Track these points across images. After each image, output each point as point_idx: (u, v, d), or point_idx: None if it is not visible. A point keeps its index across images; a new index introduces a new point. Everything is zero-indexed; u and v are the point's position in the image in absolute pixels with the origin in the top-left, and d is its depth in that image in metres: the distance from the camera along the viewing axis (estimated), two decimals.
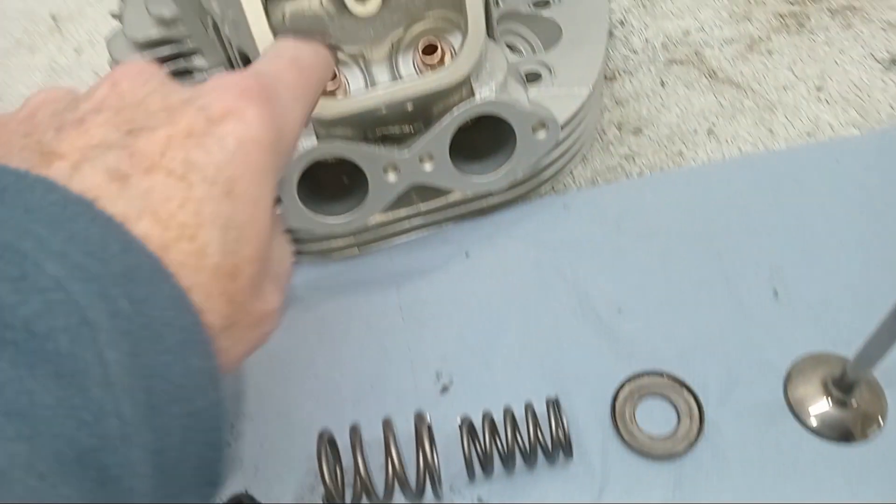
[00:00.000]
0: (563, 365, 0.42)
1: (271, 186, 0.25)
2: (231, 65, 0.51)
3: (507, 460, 0.38)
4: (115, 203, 0.21)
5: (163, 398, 0.20)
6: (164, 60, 0.51)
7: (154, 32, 0.49)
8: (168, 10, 0.48)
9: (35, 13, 0.70)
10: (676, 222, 0.48)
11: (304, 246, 0.49)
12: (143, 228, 0.21)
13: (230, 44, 0.45)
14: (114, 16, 0.54)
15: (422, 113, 0.45)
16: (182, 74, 0.52)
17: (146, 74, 0.26)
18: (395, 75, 0.45)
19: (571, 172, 0.52)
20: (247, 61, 0.45)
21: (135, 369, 0.19)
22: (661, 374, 0.41)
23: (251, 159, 0.24)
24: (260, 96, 0.25)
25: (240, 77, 0.26)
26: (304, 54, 0.30)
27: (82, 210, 0.20)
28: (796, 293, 0.44)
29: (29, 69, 0.66)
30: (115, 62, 0.51)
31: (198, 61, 0.52)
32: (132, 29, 0.50)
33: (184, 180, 0.22)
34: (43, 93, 0.26)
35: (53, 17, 0.69)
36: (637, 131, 0.53)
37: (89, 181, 0.21)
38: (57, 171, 0.21)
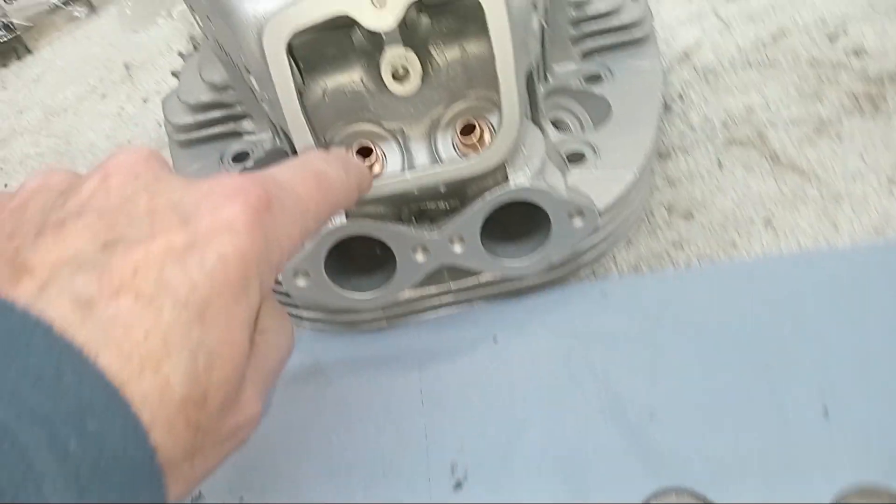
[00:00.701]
0: (586, 471, 0.40)
1: (252, 301, 0.24)
2: (277, 134, 0.51)
3: None
4: (77, 331, 0.20)
5: None
6: (214, 123, 0.52)
7: (205, 97, 0.50)
8: (220, 77, 0.49)
9: (111, 61, 0.73)
10: (723, 322, 0.45)
11: (331, 316, 0.48)
12: (105, 360, 0.20)
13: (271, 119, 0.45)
14: (174, 74, 0.56)
15: (456, 192, 0.44)
16: (231, 136, 0.54)
17: (138, 168, 0.25)
18: (433, 151, 0.44)
19: (614, 256, 0.49)
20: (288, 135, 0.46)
21: None
22: (691, 493, 0.38)
23: (231, 276, 0.23)
24: (259, 206, 0.25)
25: (245, 181, 0.25)
26: (332, 171, 0.30)
27: (39, 338, 0.20)
28: (849, 414, 0.40)
29: (99, 116, 0.69)
30: (168, 122, 0.53)
31: (247, 125, 0.53)
32: (185, 92, 0.51)
33: (152, 304, 0.21)
34: (40, 177, 0.26)
35: (126, 66, 0.72)
36: (688, 216, 0.51)
37: (54, 305, 0.20)
38: (23, 291, 0.21)
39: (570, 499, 0.38)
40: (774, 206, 0.50)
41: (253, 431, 0.27)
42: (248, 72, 0.39)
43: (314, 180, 0.28)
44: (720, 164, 0.53)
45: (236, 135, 0.53)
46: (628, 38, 0.51)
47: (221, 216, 0.24)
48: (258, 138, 0.53)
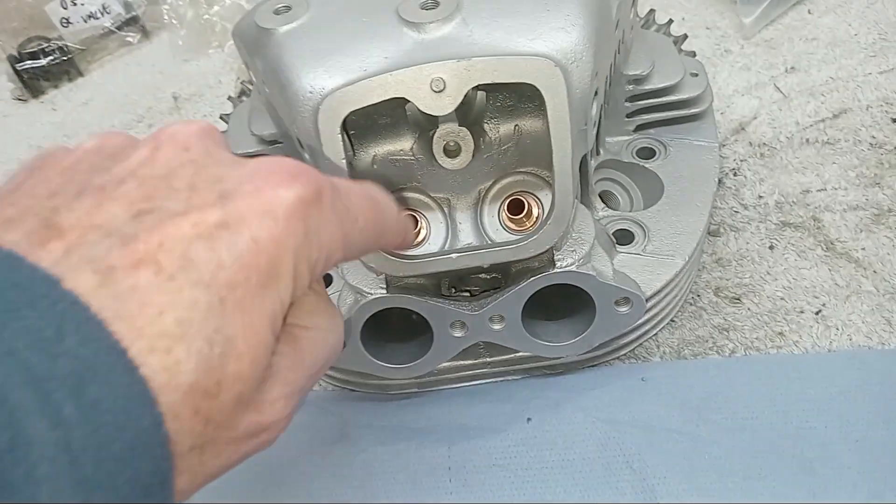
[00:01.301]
0: None
1: (282, 293, 0.23)
2: None
3: None
4: (92, 296, 0.19)
5: None
6: None
7: (253, 149, 0.50)
8: (268, 131, 0.49)
9: (160, 90, 0.73)
10: (768, 419, 0.43)
11: (364, 380, 0.47)
12: (115, 329, 0.19)
13: None
14: (223, 118, 0.56)
15: (499, 268, 0.43)
16: None
17: (191, 141, 0.24)
18: (479, 225, 0.43)
19: (656, 337, 0.48)
20: None
21: (73, 482, 0.18)
22: None
23: (261, 262, 0.22)
24: (306, 196, 0.23)
25: (300, 168, 0.24)
26: (388, 203, 0.29)
27: (44, 294, 0.19)
28: None
29: None
30: None
31: None
32: (234, 143, 0.50)
33: (172, 281, 0.20)
34: (98, 138, 0.25)
35: (175, 97, 0.72)
36: (736, 301, 0.49)
37: (74, 269, 0.20)
38: (49, 252, 0.20)
39: None
40: (827, 297, 0.48)
41: (277, 435, 0.25)
42: (300, 143, 0.38)
43: (369, 200, 0.27)
44: (772, 247, 0.51)
45: None
46: (685, 113, 0.49)
47: (263, 198, 0.22)
48: None
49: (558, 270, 0.40)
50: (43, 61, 0.74)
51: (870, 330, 0.46)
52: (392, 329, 0.45)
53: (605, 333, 0.42)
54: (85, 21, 0.75)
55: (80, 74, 0.76)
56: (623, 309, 0.42)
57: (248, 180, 0.23)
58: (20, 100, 0.75)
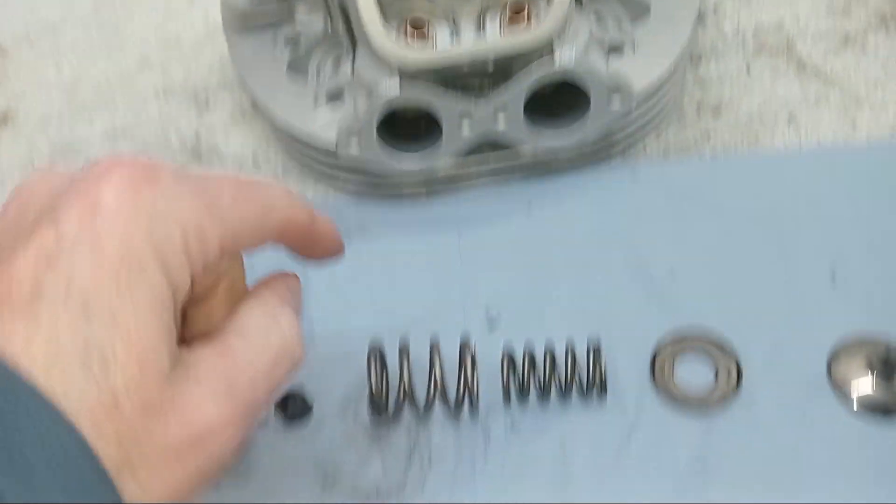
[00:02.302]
0: (609, 317, 0.44)
1: (155, 285, 0.22)
2: (330, 16, 0.54)
3: (544, 392, 0.40)
4: None
5: None
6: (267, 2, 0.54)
7: None
8: None
9: None
10: (743, 203, 0.48)
11: (374, 186, 0.52)
12: (16, 367, 0.19)
13: None
14: None
15: (502, 74, 0.48)
16: (285, 21, 0.56)
17: (37, 183, 0.24)
18: (481, 31, 0.47)
19: (644, 145, 0.53)
20: (345, 13, 0.49)
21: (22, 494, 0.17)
22: (704, 334, 0.42)
23: (112, 260, 0.21)
24: (135, 178, 0.22)
25: (121, 158, 0.23)
26: (277, 189, 0.28)
27: None
28: (853, 279, 0.44)
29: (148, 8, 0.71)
30: (224, 6, 0.55)
31: (301, 8, 0.55)
32: None
33: (28, 311, 0.20)
34: (25, 190, 0.25)
35: None
36: (716, 112, 0.54)
37: None
38: None
39: (593, 333, 0.41)
40: (798, 107, 0.53)
41: (230, 446, 0.23)
42: None
43: (232, 179, 0.26)
44: (748, 70, 0.56)
45: (289, 20, 0.56)
46: None
47: (88, 198, 0.22)
48: (309, 19, 0.55)
49: (556, 68, 0.45)
50: None
51: (836, 131, 0.52)
52: (400, 137, 0.50)
53: (598, 126, 0.47)
54: None
55: None
56: (615, 101, 0.46)
57: (73, 189, 0.22)
58: None
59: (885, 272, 0.44)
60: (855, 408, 0.39)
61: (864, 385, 0.39)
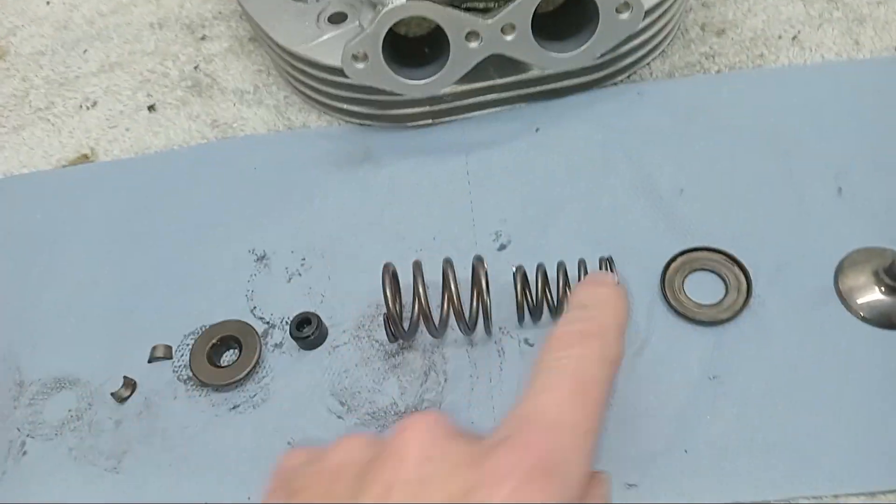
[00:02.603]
0: (618, 236, 0.44)
1: None
2: None
3: (555, 309, 0.40)
4: None
5: None
6: None
7: None
8: None
9: None
10: (748, 119, 0.48)
11: (379, 111, 0.51)
12: None
13: None
14: None
15: None
16: None
17: (430, 448, 0.26)
18: None
19: (649, 65, 0.52)
20: None
21: None
22: (714, 250, 0.42)
23: None
24: (545, 473, 0.24)
25: (522, 450, 0.24)
26: (588, 362, 0.28)
27: None
28: (859, 192, 0.44)
29: None
30: None
31: None
32: None
33: None
34: (345, 448, 0.28)
35: None
36: (720, 32, 0.53)
37: None
38: None
39: (604, 252, 0.41)
40: (801, 26, 0.53)
41: None
42: None
43: (578, 386, 0.27)
44: None
45: None
46: None
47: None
48: None
49: None
50: None
51: (839, 49, 0.51)
52: (409, 57, 0.49)
53: (608, 41, 0.47)
54: None
55: None
56: (624, 15, 0.46)
57: (494, 482, 0.24)
58: None
59: (890, 186, 0.44)
60: (861, 316, 0.40)
61: (869, 295, 0.40)
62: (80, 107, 0.56)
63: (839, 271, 0.42)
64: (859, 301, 0.40)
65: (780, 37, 0.53)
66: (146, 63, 0.57)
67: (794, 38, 0.52)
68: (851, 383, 0.38)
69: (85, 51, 0.59)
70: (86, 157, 0.53)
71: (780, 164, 0.46)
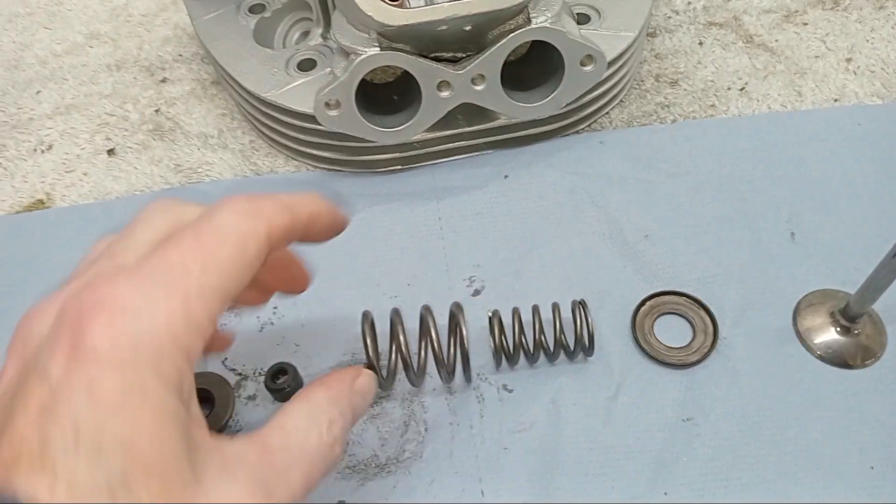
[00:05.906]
0: (589, 280, 0.45)
1: (158, 409, 0.23)
2: None
3: (532, 354, 0.41)
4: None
5: None
6: None
7: None
8: None
9: None
10: (704, 166, 0.51)
11: (349, 157, 0.51)
12: None
13: None
14: None
15: (477, 38, 0.48)
16: None
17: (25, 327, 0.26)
18: None
19: (609, 114, 0.54)
20: None
21: None
22: (681, 294, 0.44)
23: (108, 400, 0.22)
24: (110, 306, 0.23)
25: (90, 293, 0.24)
26: (248, 234, 0.28)
27: None
28: (811, 236, 0.47)
29: None
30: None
31: None
32: None
33: (44, 460, 0.21)
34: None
35: None
36: (674, 83, 0.56)
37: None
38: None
39: (576, 296, 0.42)
40: (748, 78, 0.56)
41: None
42: None
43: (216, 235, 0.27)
44: (701, 43, 0.59)
45: None
46: None
47: (69, 346, 0.23)
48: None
49: (534, 27, 0.46)
50: None
51: (784, 100, 0.55)
52: (378, 104, 0.50)
53: (572, 91, 0.48)
54: None
55: None
56: (588, 67, 0.48)
57: (53, 338, 0.23)
58: None
59: (839, 230, 0.47)
60: (818, 355, 0.42)
61: (826, 335, 0.43)
62: (35, 150, 0.54)
63: (797, 312, 0.44)
64: (816, 341, 0.43)
65: (728, 88, 0.56)
66: (104, 106, 0.56)
67: (741, 89, 0.56)
68: (814, 421, 0.40)
69: (38, 91, 0.57)
70: (41, 202, 0.51)
71: (737, 209, 0.48)
